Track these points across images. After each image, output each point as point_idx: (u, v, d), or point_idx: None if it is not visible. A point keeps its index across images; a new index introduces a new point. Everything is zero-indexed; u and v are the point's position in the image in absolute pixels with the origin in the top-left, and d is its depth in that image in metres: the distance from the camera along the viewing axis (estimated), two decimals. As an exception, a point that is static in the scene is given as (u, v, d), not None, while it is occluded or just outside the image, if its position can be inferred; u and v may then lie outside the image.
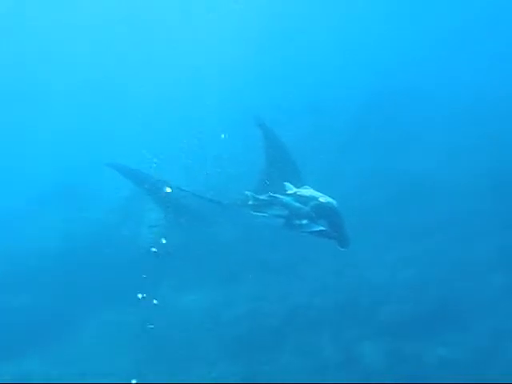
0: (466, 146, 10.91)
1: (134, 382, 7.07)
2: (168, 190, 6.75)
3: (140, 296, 7.62)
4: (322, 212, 6.07)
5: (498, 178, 9.97)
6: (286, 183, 6.65)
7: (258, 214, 6.25)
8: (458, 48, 16.14)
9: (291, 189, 6.55)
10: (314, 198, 6.22)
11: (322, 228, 5.88)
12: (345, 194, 6.97)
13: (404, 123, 11.89)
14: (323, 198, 6.19)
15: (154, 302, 7.30)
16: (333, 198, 6.21)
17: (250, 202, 6.33)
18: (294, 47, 17.12)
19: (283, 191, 6.53)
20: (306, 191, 6.46)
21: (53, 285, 9.45)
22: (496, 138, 11.13)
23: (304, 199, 6.25)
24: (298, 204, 6.14)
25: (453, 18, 17.70)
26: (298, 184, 6.72)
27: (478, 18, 17.28)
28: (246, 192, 6.44)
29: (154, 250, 7.08)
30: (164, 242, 8.24)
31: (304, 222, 5.99)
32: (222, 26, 18.12)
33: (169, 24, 18.69)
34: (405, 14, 18.30)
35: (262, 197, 6.38)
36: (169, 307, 8.33)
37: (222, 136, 10.76)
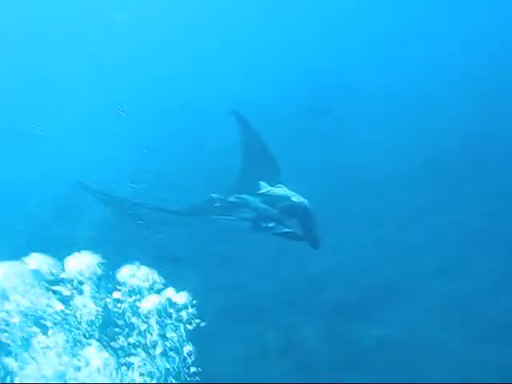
0: (403, 140, 11.61)
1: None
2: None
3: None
4: (292, 212, 5.98)
5: (431, 168, 10.72)
6: (260, 182, 6.52)
7: (224, 217, 6.12)
8: (395, 48, 17.01)
9: (265, 187, 6.41)
10: (286, 198, 6.12)
11: (289, 230, 5.80)
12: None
13: (344, 119, 12.43)
14: (295, 198, 6.10)
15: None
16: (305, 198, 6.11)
17: (217, 205, 6.18)
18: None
19: (257, 189, 6.40)
20: (279, 190, 6.35)
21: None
22: (429, 133, 11.89)
23: (274, 199, 6.15)
24: (264, 206, 6.03)
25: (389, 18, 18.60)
26: (275, 180, 6.60)
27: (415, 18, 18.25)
28: (213, 194, 6.27)
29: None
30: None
31: (271, 224, 5.89)
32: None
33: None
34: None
35: (229, 199, 6.21)
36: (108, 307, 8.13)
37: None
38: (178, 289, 8.52)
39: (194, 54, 18.14)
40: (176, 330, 6.04)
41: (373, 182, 10.44)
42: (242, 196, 6.23)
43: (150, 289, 4.91)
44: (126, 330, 4.74)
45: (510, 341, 7.16)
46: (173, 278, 8.70)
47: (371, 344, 7.51)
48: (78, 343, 4.42)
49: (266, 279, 8.61)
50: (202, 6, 20.24)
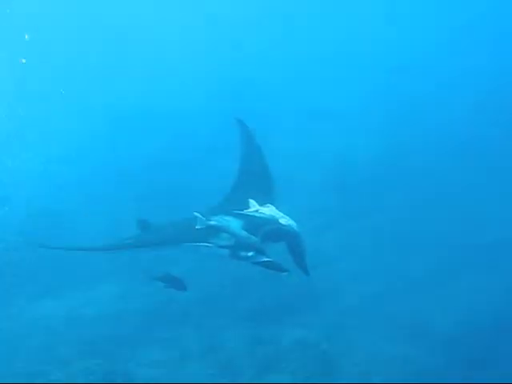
0: (313, 148, 12.10)
1: None
2: None
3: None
4: (277, 237, 5.76)
5: (342, 177, 11.26)
6: (250, 200, 6.22)
7: (202, 244, 5.80)
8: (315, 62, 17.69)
9: (253, 206, 6.14)
10: (272, 221, 5.82)
11: (268, 259, 5.54)
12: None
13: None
14: (283, 220, 5.84)
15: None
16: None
17: (198, 227, 5.80)
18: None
19: (245, 208, 6.12)
20: (267, 211, 6.06)
21: None
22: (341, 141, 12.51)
23: (259, 222, 5.82)
24: (245, 232, 5.69)
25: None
26: (268, 198, 6.33)
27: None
28: (195, 213, 5.86)
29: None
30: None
31: (250, 253, 5.60)
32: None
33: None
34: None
35: (211, 221, 5.84)
36: (25, 314, 8.03)
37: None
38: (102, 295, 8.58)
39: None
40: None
41: (290, 189, 10.80)
42: (225, 218, 5.87)
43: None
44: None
45: (422, 339, 7.71)
46: (96, 283, 8.74)
47: (290, 345, 7.83)
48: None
49: (189, 285, 8.69)
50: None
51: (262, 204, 6.19)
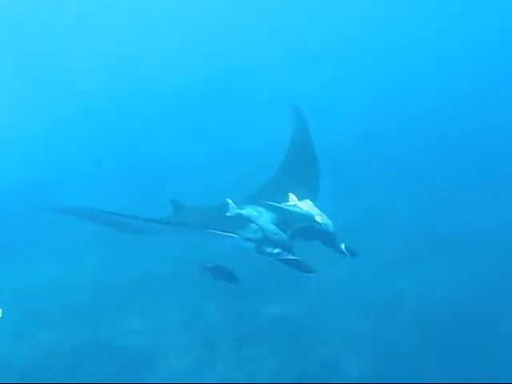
0: None
1: None
2: None
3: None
4: (309, 235, 5.59)
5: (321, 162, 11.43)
6: (290, 194, 5.97)
7: (227, 234, 5.57)
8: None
9: (291, 200, 5.92)
10: (307, 218, 5.60)
11: (293, 257, 5.37)
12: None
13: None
14: (319, 218, 5.64)
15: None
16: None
17: (229, 214, 5.64)
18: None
19: (283, 200, 5.89)
20: (304, 206, 5.82)
21: None
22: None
23: (293, 217, 5.61)
24: (274, 227, 5.47)
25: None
26: (310, 193, 6.07)
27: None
28: (228, 200, 5.67)
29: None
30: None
31: (276, 250, 5.42)
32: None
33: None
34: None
35: (243, 210, 5.63)
36: (12, 281, 8.22)
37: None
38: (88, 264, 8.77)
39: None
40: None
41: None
42: (257, 208, 5.69)
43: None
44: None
45: (394, 316, 8.05)
46: (81, 252, 8.92)
47: (268, 319, 8.15)
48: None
49: (171, 259, 8.98)
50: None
51: (301, 198, 6.00)
